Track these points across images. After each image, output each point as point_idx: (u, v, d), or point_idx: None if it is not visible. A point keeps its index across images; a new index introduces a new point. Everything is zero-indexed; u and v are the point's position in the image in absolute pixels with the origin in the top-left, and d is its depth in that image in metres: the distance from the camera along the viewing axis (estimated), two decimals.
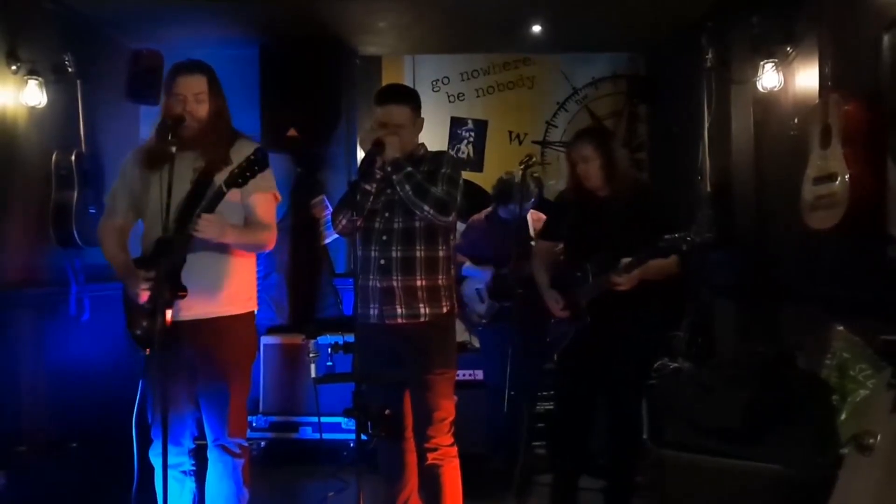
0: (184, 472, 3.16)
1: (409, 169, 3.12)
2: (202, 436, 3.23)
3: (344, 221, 3.18)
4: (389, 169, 3.12)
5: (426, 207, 3.10)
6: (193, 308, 3.01)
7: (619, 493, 3.66)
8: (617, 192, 3.51)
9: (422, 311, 3.21)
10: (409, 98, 3.32)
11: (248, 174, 2.82)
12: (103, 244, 3.23)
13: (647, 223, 3.41)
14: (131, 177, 3.16)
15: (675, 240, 3.23)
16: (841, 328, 3.31)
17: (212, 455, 3.16)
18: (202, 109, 3.05)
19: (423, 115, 3.34)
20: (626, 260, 3.36)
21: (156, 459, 3.05)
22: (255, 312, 3.25)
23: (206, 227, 2.88)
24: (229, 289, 3.11)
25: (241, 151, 3.05)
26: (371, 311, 3.23)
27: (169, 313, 2.89)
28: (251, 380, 3.24)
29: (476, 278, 4.69)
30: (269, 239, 3.14)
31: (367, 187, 3.15)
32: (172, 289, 2.87)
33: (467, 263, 4.73)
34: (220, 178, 2.96)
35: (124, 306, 3.16)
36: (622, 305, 3.41)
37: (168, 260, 2.86)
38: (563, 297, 3.60)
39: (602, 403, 3.64)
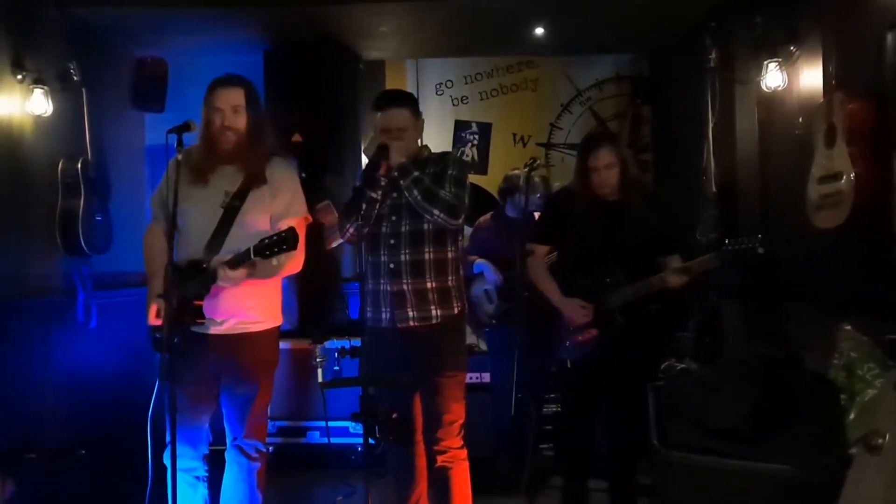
0: (197, 478, 3.17)
1: (417, 174, 3.12)
2: (217, 441, 3.24)
3: (352, 230, 3.18)
4: (396, 174, 3.12)
5: (436, 212, 3.10)
6: (224, 325, 3.09)
7: (624, 493, 3.67)
8: (630, 196, 3.55)
9: (433, 313, 3.21)
10: (406, 100, 3.31)
11: (275, 249, 2.87)
12: (144, 244, 3.28)
13: (656, 227, 3.49)
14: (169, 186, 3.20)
15: (747, 243, 3.26)
16: (848, 327, 3.31)
17: (229, 456, 3.20)
18: (240, 122, 3.10)
19: (423, 117, 3.34)
20: (675, 261, 3.43)
21: (168, 462, 3.06)
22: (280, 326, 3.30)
23: (227, 280, 2.97)
24: (257, 309, 3.16)
25: (275, 170, 3.14)
26: (382, 315, 3.22)
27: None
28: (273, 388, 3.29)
29: (488, 276, 4.68)
30: (297, 264, 3.17)
31: (374, 195, 3.14)
32: (191, 315, 2.93)
33: (480, 260, 4.71)
34: (252, 199, 3.05)
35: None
36: (647, 308, 3.47)
37: (188, 288, 2.95)
38: (589, 303, 3.58)
39: (608, 404, 3.64)
